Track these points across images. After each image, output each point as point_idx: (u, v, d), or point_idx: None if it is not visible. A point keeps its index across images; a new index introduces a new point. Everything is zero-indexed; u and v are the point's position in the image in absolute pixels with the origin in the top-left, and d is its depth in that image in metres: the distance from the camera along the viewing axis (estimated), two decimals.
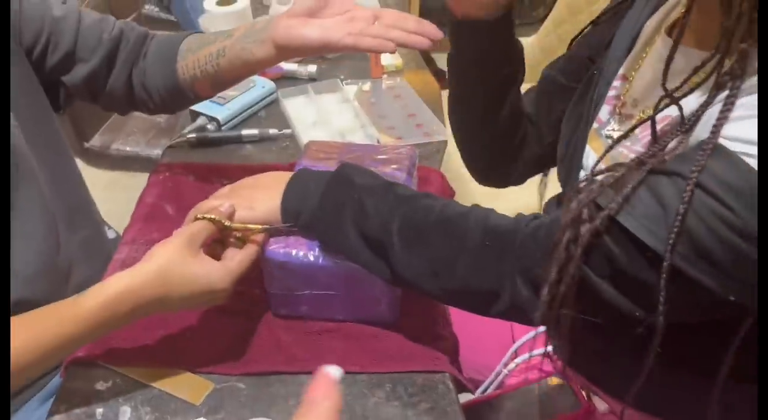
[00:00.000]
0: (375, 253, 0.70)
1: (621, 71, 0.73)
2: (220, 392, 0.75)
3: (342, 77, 1.34)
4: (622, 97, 0.72)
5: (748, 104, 0.51)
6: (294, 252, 0.75)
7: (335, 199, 0.72)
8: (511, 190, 1.03)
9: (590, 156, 0.74)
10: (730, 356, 0.58)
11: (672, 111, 0.58)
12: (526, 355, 0.92)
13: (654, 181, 0.53)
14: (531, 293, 0.62)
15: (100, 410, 0.74)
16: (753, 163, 0.48)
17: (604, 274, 0.56)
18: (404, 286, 0.72)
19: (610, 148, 0.63)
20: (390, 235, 0.68)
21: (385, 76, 1.38)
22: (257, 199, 0.76)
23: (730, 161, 0.50)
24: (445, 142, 1.17)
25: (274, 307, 0.81)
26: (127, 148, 1.84)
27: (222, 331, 0.81)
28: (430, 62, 1.91)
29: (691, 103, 0.56)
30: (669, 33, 0.68)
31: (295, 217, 0.74)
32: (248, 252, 0.75)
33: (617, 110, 0.72)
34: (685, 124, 0.55)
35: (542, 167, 0.95)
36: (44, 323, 0.67)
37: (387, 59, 1.40)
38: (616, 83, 0.73)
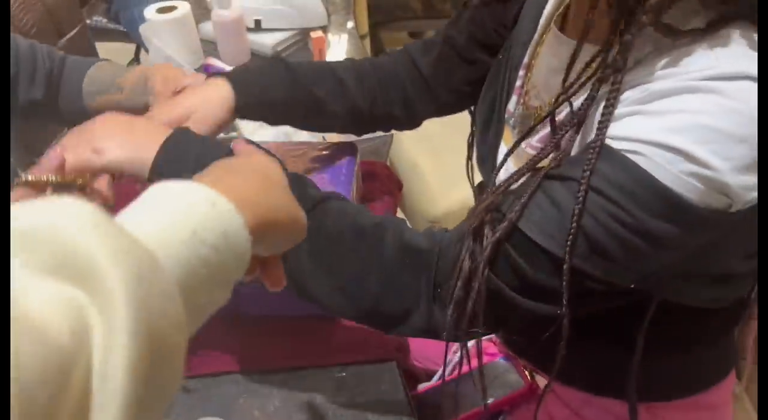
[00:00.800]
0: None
1: (525, 59, 0.73)
2: None
3: None
4: (525, 87, 0.72)
5: (630, 99, 0.52)
6: None
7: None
8: (464, 184, 1.02)
9: (503, 152, 0.73)
10: (642, 335, 0.61)
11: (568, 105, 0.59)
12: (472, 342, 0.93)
13: (549, 186, 0.54)
14: (442, 313, 0.60)
15: None
16: (640, 160, 0.49)
17: (513, 284, 0.56)
18: (310, 300, 0.63)
19: (510, 152, 0.62)
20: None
21: None
22: (110, 142, 0.59)
23: (618, 162, 0.50)
24: (392, 136, 1.18)
25: (242, 308, 0.82)
26: None
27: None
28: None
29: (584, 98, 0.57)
30: (559, 25, 0.68)
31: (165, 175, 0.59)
32: None
33: (522, 101, 0.72)
34: (574, 122, 0.56)
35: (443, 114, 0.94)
36: None
37: (332, 57, 1.42)
38: (521, 72, 0.73)
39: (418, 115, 0.91)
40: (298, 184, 0.62)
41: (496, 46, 0.81)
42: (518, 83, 0.73)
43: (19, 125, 0.89)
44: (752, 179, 0.48)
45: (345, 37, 1.53)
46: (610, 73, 0.52)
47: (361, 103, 0.85)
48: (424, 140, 1.68)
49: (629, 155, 0.50)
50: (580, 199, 0.51)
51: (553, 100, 0.60)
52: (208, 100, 0.75)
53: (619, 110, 0.52)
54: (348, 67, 0.86)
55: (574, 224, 0.51)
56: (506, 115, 0.74)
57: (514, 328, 0.72)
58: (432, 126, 1.03)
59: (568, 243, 0.52)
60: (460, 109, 0.92)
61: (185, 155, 0.60)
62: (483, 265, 0.55)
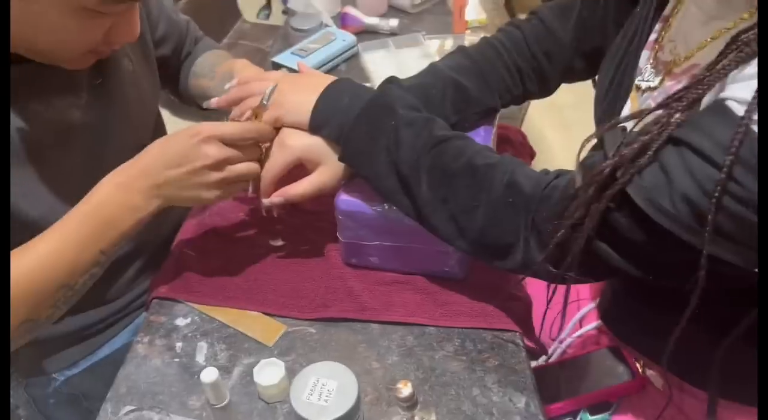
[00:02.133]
0: (401, 185, 0.70)
1: (666, 11, 0.67)
2: (292, 335, 0.77)
3: (424, 32, 1.32)
4: (660, 41, 0.66)
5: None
6: (365, 202, 0.75)
7: (372, 123, 0.71)
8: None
9: (626, 111, 0.69)
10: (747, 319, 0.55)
11: (701, 60, 0.54)
12: (591, 326, 0.89)
13: (663, 150, 0.50)
14: (539, 254, 0.63)
15: (179, 344, 0.77)
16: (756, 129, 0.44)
17: (611, 241, 0.56)
18: (424, 225, 0.71)
19: (642, 114, 0.56)
20: (418, 172, 0.68)
21: (468, 31, 1.34)
22: (290, 97, 0.75)
23: (735, 127, 0.45)
24: (528, 102, 1.13)
25: (345, 255, 0.82)
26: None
27: (296, 276, 0.83)
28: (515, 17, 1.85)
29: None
30: None
31: (319, 128, 0.74)
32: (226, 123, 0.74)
33: (654, 56, 0.67)
34: (702, 83, 0.50)
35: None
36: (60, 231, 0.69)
37: (471, 14, 1.37)
38: (658, 25, 0.68)
39: (552, 85, 0.91)
40: (426, 124, 0.70)
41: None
42: (653, 37, 0.68)
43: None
44: None
45: None
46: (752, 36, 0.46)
47: (492, 101, 0.86)
48: (554, 111, 1.60)
49: (750, 123, 0.44)
50: (691, 167, 0.47)
51: (692, 53, 0.57)
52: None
53: (747, 71, 0.46)
54: (467, 70, 0.85)
55: (682, 194, 0.48)
56: (636, 72, 0.69)
57: (604, 277, 0.73)
58: (564, 96, 0.98)
59: (676, 214, 0.49)
60: (593, 75, 0.87)
61: (338, 104, 0.72)
62: (586, 221, 0.55)
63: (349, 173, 0.76)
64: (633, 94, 0.69)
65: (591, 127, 0.91)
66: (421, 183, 0.68)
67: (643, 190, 0.51)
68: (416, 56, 1.25)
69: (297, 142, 0.75)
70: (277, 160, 0.75)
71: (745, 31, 0.47)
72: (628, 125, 0.57)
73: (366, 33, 1.36)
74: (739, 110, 0.45)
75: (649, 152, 0.50)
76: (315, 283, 0.82)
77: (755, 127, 0.44)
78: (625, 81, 0.70)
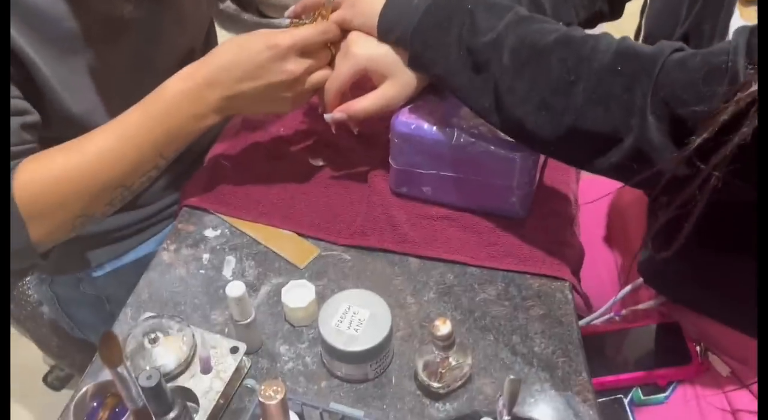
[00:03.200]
0: (478, 74, 0.61)
1: None
2: (325, 259, 0.73)
3: None
4: None
5: None
6: (426, 125, 0.69)
7: (442, 10, 0.63)
8: None
9: (734, 24, 0.58)
10: None
11: None
12: (649, 303, 0.82)
13: None
14: (664, 137, 0.51)
15: (206, 256, 0.73)
16: None
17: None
18: (504, 123, 0.62)
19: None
20: (500, 52, 0.59)
21: None
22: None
23: None
24: None
25: (394, 183, 0.76)
26: (261, 19, 1.80)
27: (336, 199, 0.77)
28: None
29: None
30: None
31: (387, 32, 0.66)
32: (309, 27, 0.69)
33: None
34: None
35: None
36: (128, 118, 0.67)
37: None
38: None
39: (620, 5, 0.82)
40: (508, 7, 0.61)
41: None
42: None
43: None
44: None
45: None
46: None
47: (568, 18, 0.77)
48: None
49: None
50: None
51: None
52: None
53: None
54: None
55: None
56: None
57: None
58: None
59: None
60: None
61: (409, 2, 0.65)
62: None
63: (419, 88, 0.69)
64: (743, 6, 0.58)
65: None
66: (503, 66, 0.59)
67: None
68: None
69: (363, 51, 0.67)
70: (341, 70, 0.68)
71: None
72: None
73: None
74: None
75: None
76: (354, 207, 0.76)
77: None
78: None
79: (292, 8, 0.75)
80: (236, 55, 0.65)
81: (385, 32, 0.67)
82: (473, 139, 0.67)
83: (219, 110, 0.67)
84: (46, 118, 0.68)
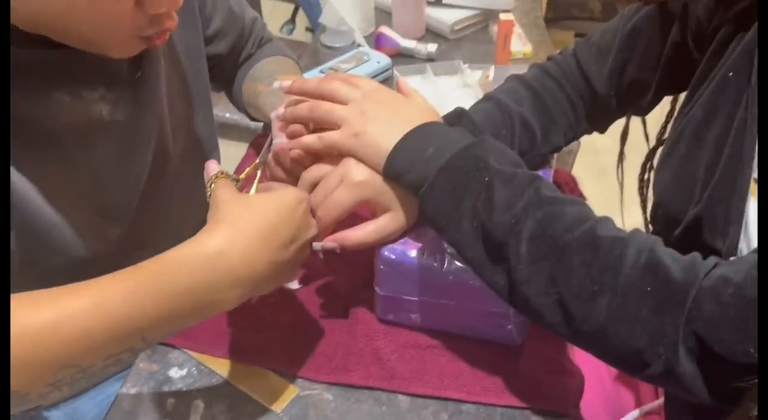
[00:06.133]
0: (490, 256, 0.56)
1: None
2: (305, 400, 0.66)
3: (463, 60, 1.22)
4: None
5: None
6: (415, 251, 0.64)
7: (458, 178, 0.57)
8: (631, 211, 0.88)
9: (750, 209, 0.55)
10: None
11: None
12: None
13: None
14: (697, 369, 0.47)
15: (171, 400, 0.65)
16: None
17: None
18: (519, 306, 0.57)
19: None
20: (518, 239, 0.53)
21: (511, 62, 1.24)
22: (371, 126, 0.61)
23: None
24: (579, 144, 1.03)
25: (380, 310, 0.70)
26: (227, 115, 1.78)
27: (316, 331, 0.71)
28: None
29: None
30: None
31: (397, 176, 0.61)
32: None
33: None
34: None
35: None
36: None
37: (516, 45, 1.27)
38: None
39: (603, 125, 0.81)
40: (530, 182, 0.56)
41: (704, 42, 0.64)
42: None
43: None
44: None
45: (527, 27, 1.37)
46: None
47: (558, 141, 0.77)
48: (590, 155, 1.50)
49: None
50: None
51: None
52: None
53: None
54: (531, 104, 0.75)
55: None
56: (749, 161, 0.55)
57: None
58: (601, 140, 0.89)
59: None
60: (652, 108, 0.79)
61: (421, 152, 0.59)
62: None
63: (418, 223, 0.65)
64: (755, 186, 0.55)
65: (630, 176, 0.84)
66: (519, 254, 0.53)
67: None
68: (455, 85, 1.15)
69: (369, 181, 0.62)
70: (343, 198, 0.61)
71: None
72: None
73: (400, 56, 1.26)
74: None
75: None
76: (336, 338, 0.70)
77: None
78: (736, 170, 0.56)
79: (279, 111, 0.70)
80: (277, 214, 0.56)
81: (392, 177, 0.61)
82: (465, 266, 0.63)
83: (254, 288, 0.55)
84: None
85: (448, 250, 0.64)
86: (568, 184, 0.93)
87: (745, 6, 0.60)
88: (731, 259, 0.54)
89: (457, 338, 0.69)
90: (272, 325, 0.71)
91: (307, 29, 2.47)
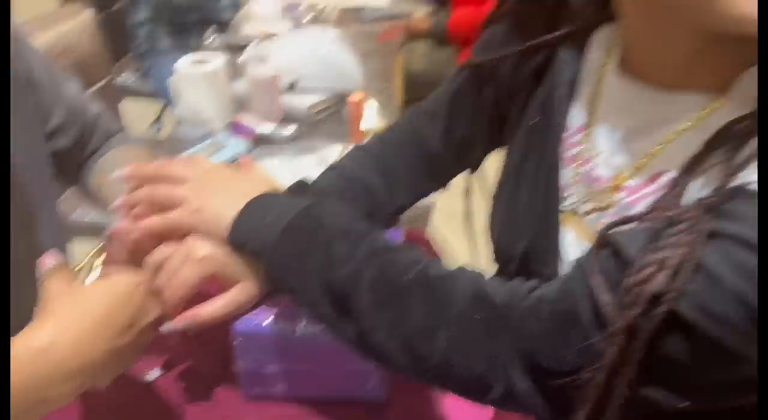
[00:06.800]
0: (337, 310, 0.58)
1: (580, 122, 0.62)
2: None
3: (320, 140, 1.28)
4: (583, 156, 0.61)
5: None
6: (268, 320, 0.65)
7: (299, 241, 0.59)
8: None
9: (569, 240, 0.62)
10: None
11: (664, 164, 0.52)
12: None
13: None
14: (532, 384, 0.50)
15: None
16: None
17: (664, 378, 0.46)
18: (372, 355, 0.58)
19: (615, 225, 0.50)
20: (359, 289, 0.56)
21: (366, 139, 1.31)
22: (211, 200, 0.63)
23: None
24: (430, 206, 1.09)
25: (245, 386, 0.69)
26: (86, 219, 1.72)
27: (180, 419, 0.68)
28: None
29: (684, 150, 0.50)
30: (624, 70, 0.58)
31: (241, 246, 0.61)
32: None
33: (578, 173, 0.61)
34: (689, 172, 0.48)
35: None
36: None
37: (369, 123, 1.35)
38: (576, 137, 0.62)
39: (443, 182, 0.85)
40: (366, 234, 0.59)
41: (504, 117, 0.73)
42: (570, 152, 0.63)
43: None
44: None
45: (380, 106, 1.47)
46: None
47: (402, 200, 0.79)
48: (458, 216, 1.58)
49: None
50: (734, 258, 0.41)
51: (645, 163, 0.54)
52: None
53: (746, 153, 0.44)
54: (372, 169, 0.79)
55: (732, 294, 0.41)
56: (559, 193, 0.62)
57: None
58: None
59: (731, 324, 0.42)
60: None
61: (261, 221, 0.60)
62: (637, 356, 0.44)
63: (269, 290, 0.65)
64: (571, 218, 0.62)
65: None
66: (362, 303, 0.56)
67: (690, 296, 0.42)
68: (313, 164, 1.20)
69: (214, 255, 0.62)
70: (188, 275, 0.61)
71: (737, 121, 0.46)
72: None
73: (260, 141, 1.30)
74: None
75: (694, 255, 0.43)
76: None
77: None
78: (549, 205, 0.63)
79: (119, 200, 0.69)
80: (111, 301, 0.55)
81: (236, 248, 0.62)
82: (319, 328, 0.64)
83: (91, 378, 0.53)
84: None
85: (303, 315, 0.65)
86: (424, 244, 0.97)
87: (540, 62, 0.68)
88: None
89: (325, 403, 0.69)
90: (134, 419, 0.68)
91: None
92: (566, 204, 0.62)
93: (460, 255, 1.57)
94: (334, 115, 1.43)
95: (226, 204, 0.63)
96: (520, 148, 0.69)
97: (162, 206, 0.66)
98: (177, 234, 0.65)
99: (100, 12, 1.95)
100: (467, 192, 0.94)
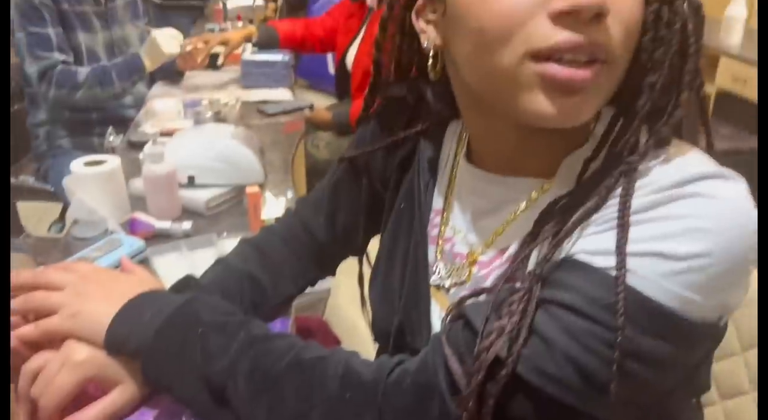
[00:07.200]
0: (216, 402, 0.59)
1: (438, 205, 0.70)
2: None
3: (220, 233, 1.29)
4: (443, 235, 0.68)
5: (602, 217, 0.50)
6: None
7: (175, 338, 0.61)
8: None
9: (436, 314, 0.67)
10: None
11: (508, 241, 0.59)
12: None
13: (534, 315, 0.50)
14: None
15: None
16: (628, 275, 0.46)
17: None
18: None
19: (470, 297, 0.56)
20: (235, 380, 0.58)
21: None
22: (87, 305, 0.63)
23: (596, 277, 0.47)
24: (328, 291, 1.12)
25: None
26: None
27: None
28: None
29: (523, 227, 0.56)
30: (470, 160, 0.66)
31: (119, 347, 0.62)
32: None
33: (441, 251, 0.68)
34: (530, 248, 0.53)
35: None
36: None
37: (269, 213, 1.38)
38: (436, 219, 0.69)
39: (331, 269, 0.90)
40: (240, 326, 0.61)
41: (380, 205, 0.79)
42: (434, 232, 0.69)
43: None
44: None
45: (281, 196, 1.51)
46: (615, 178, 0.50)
47: (289, 290, 0.83)
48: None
49: (607, 270, 0.47)
50: (562, 322, 0.47)
51: (493, 239, 0.61)
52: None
53: (590, 230, 0.50)
54: (257, 261, 0.82)
55: (561, 352, 0.47)
56: (426, 270, 0.68)
57: None
58: None
59: (560, 377, 0.47)
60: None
61: (139, 319, 0.62)
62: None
63: (150, 390, 0.65)
64: (437, 293, 0.67)
65: None
66: (239, 394, 0.57)
67: (527, 360, 0.48)
68: (211, 257, 1.20)
69: (92, 358, 0.62)
70: (65, 381, 0.60)
71: (558, 201, 0.53)
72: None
73: (157, 237, 1.30)
74: (599, 261, 0.47)
75: (526, 321, 0.48)
76: None
77: (628, 277, 0.46)
78: (418, 281, 0.68)
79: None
80: None
81: (114, 349, 0.62)
82: None
83: None
84: None
85: (185, 413, 0.65)
86: (320, 329, 0.99)
87: (405, 154, 0.75)
88: None
89: None
90: None
91: None
92: (433, 279, 0.67)
93: (365, 336, 1.59)
94: (234, 207, 1.45)
95: (103, 306, 0.64)
96: (391, 231, 0.74)
97: (39, 314, 0.66)
98: (55, 341, 0.65)
99: None
100: (360, 277, 0.98)
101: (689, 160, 0.50)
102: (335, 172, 0.86)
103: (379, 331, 0.74)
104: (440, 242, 0.68)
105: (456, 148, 0.70)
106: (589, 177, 0.53)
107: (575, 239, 0.51)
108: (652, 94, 0.50)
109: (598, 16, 0.46)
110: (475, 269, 0.64)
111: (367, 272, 0.89)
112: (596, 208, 0.50)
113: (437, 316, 0.66)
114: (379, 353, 0.77)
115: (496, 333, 0.49)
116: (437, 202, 0.70)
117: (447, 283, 0.66)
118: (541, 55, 0.47)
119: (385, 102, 0.75)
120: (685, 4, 0.50)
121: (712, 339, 0.50)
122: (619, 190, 0.49)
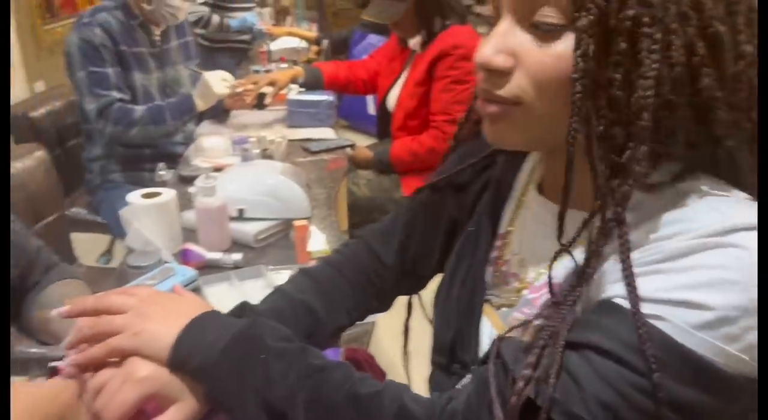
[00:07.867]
0: None
1: (501, 229, 0.73)
2: None
3: (267, 265, 1.33)
4: (501, 258, 0.71)
5: (642, 260, 0.52)
6: None
7: (238, 359, 0.63)
8: None
9: (486, 330, 0.70)
10: None
11: (558, 274, 0.60)
12: None
13: (565, 358, 0.52)
14: None
15: None
16: (661, 324, 0.48)
17: None
18: None
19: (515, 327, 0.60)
20: (295, 408, 0.60)
21: (312, 262, 1.37)
22: (150, 325, 0.66)
23: (631, 322, 0.49)
24: (373, 324, 1.13)
25: None
26: (32, 350, 1.69)
27: None
28: None
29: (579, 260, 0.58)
30: (540, 191, 0.69)
31: (179, 366, 0.64)
32: None
33: (498, 272, 0.71)
34: (580, 283, 0.55)
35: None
36: None
37: (315, 245, 1.41)
38: (498, 242, 0.73)
39: (389, 301, 0.91)
40: (300, 354, 0.64)
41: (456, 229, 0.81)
42: (494, 254, 0.72)
43: None
44: None
45: (325, 230, 1.54)
46: (613, 226, 0.52)
47: (342, 321, 0.85)
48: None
49: (650, 319, 0.48)
50: (598, 368, 0.49)
51: (542, 268, 0.62)
52: None
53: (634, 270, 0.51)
54: (312, 290, 0.84)
55: (595, 397, 0.48)
56: (483, 289, 0.71)
57: None
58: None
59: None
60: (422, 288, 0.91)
61: (202, 340, 0.65)
62: None
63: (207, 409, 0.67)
64: (489, 310, 0.70)
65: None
66: None
67: (558, 403, 0.50)
68: (260, 287, 1.24)
69: (154, 375, 0.64)
70: (128, 396, 0.63)
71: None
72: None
73: (208, 267, 1.34)
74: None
75: (555, 365, 0.50)
76: None
77: (655, 322, 0.48)
78: (474, 299, 0.71)
79: (68, 339, 0.72)
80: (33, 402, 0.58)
81: (177, 366, 0.65)
82: None
83: None
84: None
85: None
86: (367, 361, 1.01)
87: (485, 182, 0.78)
88: (458, 386, 0.64)
89: None
90: None
91: None
92: (485, 298, 0.70)
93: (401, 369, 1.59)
94: (282, 240, 1.49)
95: (166, 325, 0.67)
96: (457, 251, 0.77)
97: (105, 338, 0.69)
98: (119, 359, 0.68)
99: (52, 152, 2.03)
100: (409, 306, 0.99)
101: (730, 207, 0.51)
102: (413, 200, 0.88)
103: (436, 346, 0.77)
104: (498, 264, 0.71)
105: (528, 177, 0.73)
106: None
107: (614, 280, 0.52)
108: (675, 140, 0.53)
109: (500, 71, 0.56)
110: (525, 292, 0.66)
111: (416, 302, 0.91)
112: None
113: (487, 333, 0.69)
114: (434, 365, 0.78)
115: (527, 377, 0.51)
116: (502, 227, 0.73)
117: (498, 303, 0.69)
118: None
119: (472, 133, 0.79)
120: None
121: (749, 394, 0.50)
122: (660, 233, 0.51)
